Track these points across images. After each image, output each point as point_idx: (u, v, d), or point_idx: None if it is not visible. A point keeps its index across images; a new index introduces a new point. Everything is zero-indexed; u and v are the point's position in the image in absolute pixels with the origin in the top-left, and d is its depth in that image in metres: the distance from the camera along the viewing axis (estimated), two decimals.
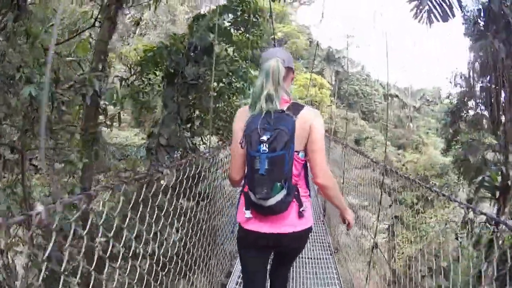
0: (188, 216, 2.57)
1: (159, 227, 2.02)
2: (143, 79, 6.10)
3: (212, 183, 3.51)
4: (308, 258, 4.43)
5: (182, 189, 2.40)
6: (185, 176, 2.40)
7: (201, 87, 5.36)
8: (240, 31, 6.03)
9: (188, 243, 2.57)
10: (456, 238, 25.11)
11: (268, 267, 2.07)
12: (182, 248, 2.51)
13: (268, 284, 2.12)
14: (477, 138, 12.12)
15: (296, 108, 1.75)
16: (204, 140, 5.71)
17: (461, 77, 12.67)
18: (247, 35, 6.09)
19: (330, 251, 4.83)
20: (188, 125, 5.80)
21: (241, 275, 2.53)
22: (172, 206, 2.20)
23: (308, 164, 1.84)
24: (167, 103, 5.38)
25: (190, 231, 2.65)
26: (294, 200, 1.75)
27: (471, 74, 12.00)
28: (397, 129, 33.29)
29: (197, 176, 2.64)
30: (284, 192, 1.65)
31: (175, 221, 2.28)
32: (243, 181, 1.86)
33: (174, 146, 5.17)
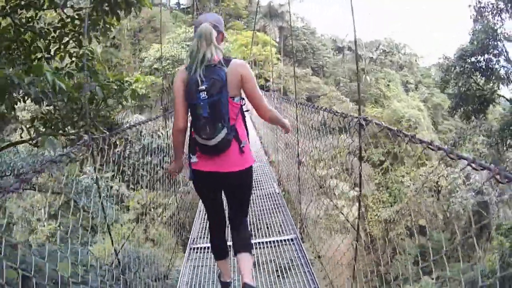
0: None
1: None
2: None
3: None
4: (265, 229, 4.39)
5: None
6: None
7: None
8: None
9: None
10: (433, 196, 21.82)
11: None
12: None
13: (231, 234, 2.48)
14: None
15: (226, 61, 2.10)
16: None
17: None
18: None
19: (293, 229, 4.41)
20: None
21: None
22: None
23: (243, 109, 2.22)
24: None
25: None
26: (234, 140, 2.12)
27: None
28: (353, 83, 29.58)
29: None
30: (225, 131, 2.04)
31: None
32: (188, 132, 2.22)
33: None
